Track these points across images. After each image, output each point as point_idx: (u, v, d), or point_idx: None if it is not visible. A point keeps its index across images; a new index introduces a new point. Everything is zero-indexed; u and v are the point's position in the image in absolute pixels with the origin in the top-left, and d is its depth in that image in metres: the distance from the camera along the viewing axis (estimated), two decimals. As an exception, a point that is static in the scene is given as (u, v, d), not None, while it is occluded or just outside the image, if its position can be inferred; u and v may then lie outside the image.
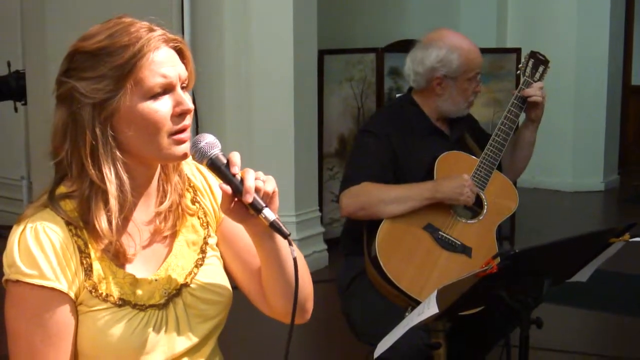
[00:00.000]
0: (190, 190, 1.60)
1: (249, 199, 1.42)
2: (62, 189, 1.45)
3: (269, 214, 1.43)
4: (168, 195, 1.53)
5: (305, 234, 4.81)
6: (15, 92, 4.85)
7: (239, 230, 1.57)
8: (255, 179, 1.44)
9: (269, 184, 1.45)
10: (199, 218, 1.59)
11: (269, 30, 4.71)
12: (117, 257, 1.46)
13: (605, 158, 7.13)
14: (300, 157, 4.82)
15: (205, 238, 1.59)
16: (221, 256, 1.63)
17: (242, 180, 1.43)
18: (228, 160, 1.45)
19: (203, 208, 1.60)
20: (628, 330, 3.99)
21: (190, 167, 1.62)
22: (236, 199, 1.45)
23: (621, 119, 7.50)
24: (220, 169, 1.45)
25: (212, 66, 4.78)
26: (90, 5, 4.65)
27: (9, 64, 4.86)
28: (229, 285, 1.61)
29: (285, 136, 4.76)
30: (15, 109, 4.97)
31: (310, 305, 1.64)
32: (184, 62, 1.47)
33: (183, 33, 4.66)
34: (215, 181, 1.61)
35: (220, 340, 1.62)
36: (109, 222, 1.41)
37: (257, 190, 1.43)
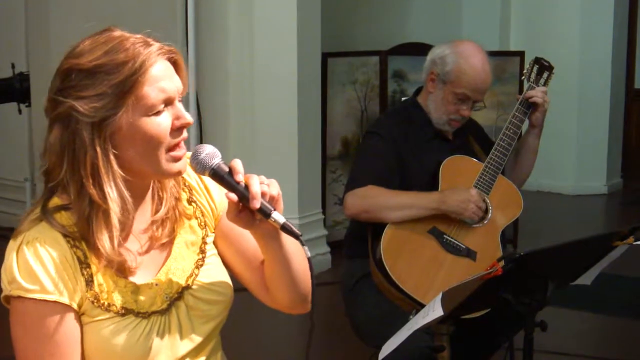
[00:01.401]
0: (186, 190, 1.59)
1: (256, 204, 1.42)
2: (55, 201, 1.44)
3: (278, 217, 1.43)
4: (164, 203, 1.52)
5: (308, 237, 4.80)
6: (19, 94, 4.86)
7: (240, 229, 1.55)
8: (260, 183, 1.43)
9: (273, 187, 1.45)
10: (196, 218, 1.58)
11: (273, 33, 4.70)
12: (119, 270, 1.45)
13: (608, 161, 7.11)
14: (303, 160, 4.82)
15: (203, 238, 1.59)
16: (220, 252, 1.63)
17: (246, 187, 1.43)
18: (230, 168, 1.44)
19: (200, 207, 1.59)
20: (632, 334, 3.98)
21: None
22: (242, 206, 1.44)
23: (624, 122, 7.48)
24: (223, 178, 1.44)
25: (216, 70, 4.78)
26: (95, 7, 4.66)
27: (13, 66, 4.87)
28: (230, 282, 1.60)
29: (288, 139, 4.76)
30: (19, 111, 4.97)
31: (310, 296, 1.64)
32: (178, 74, 1.46)
33: (187, 37, 4.67)
34: (210, 180, 1.60)
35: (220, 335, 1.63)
36: (111, 241, 1.40)
37: (262, 195, 1.42)
